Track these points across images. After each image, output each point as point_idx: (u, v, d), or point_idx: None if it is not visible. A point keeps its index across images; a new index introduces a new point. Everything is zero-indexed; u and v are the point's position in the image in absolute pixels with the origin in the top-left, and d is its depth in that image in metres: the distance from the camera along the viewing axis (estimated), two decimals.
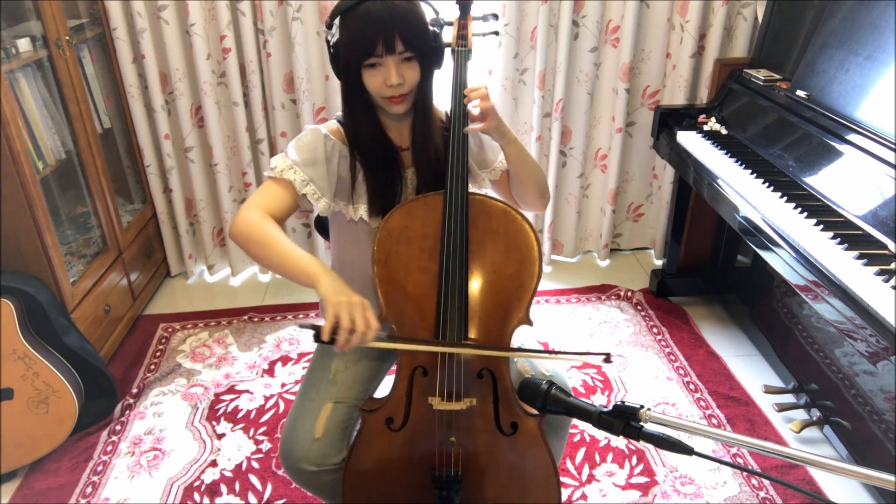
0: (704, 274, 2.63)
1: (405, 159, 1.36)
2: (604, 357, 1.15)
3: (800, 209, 1.63)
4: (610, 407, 0.99)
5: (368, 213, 1.33)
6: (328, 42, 1.27)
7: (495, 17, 1.33)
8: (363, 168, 1.33)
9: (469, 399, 1.23)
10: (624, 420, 0.97)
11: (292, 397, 2.05)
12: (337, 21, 1.23)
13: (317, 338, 1.12)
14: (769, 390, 2.08)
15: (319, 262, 1.18)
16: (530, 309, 1.27)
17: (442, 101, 1.35)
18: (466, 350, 1.22)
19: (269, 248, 1.20)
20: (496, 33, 1.34)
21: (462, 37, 1.28)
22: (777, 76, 2.17)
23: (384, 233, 1.26)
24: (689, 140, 2.19)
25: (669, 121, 2.34)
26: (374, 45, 1.20)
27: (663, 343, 2.38)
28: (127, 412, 2.09)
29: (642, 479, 1.83)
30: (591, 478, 1.83)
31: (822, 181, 1.70)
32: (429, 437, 1.26)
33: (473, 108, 1.26)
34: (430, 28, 1.26)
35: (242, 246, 1.23)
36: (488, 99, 1.26)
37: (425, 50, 1.25)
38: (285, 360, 2.33)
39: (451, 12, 1.31)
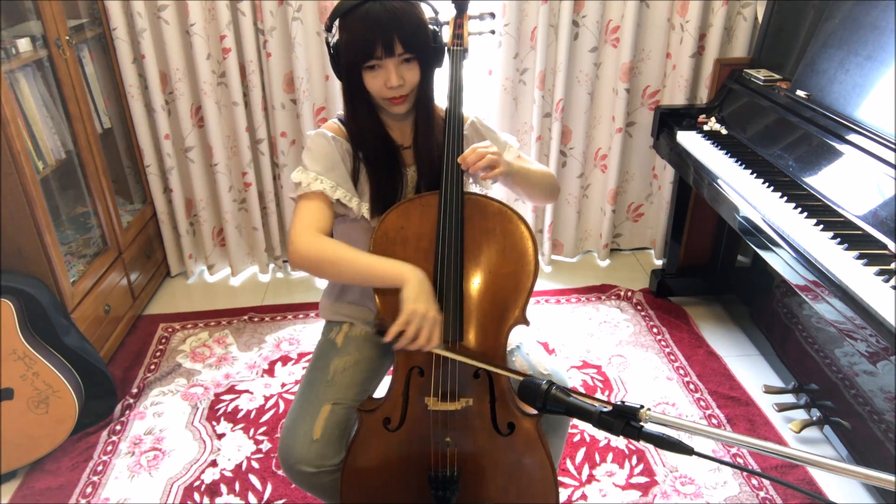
0: (704, 274, 2.63)
1: (406, 158, 1.36)
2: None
3: (800, 209, 1.63)
4: (610, 407, 0.99)
5: (370, 211, 1.34)
6: (328, 43, 1.27)
7: (492, 15, 1.33)
8: (365, 166, 1.33)
9: (465, 399, 1.23)
10: (624, 420, 0.97)
11: (292, 397, 2.05)
12: (336, 22, 1.24)
13: (381, 335, 1.20)
14: (769, 390, 2.08)
15: (402, 263, 1.21)
16: (527, 309, 1.27)
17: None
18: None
19: (344, 264, 1.24)
20: (492, 32, 1.34)
21: (458, 36, 1.28)
22: (777, 76, 2.17)
23: (380, 233, 1.26)
24: (689, 140, 2.19)
25: (669, 121, 2.34)
26: (374, 48, 1.20)
27: (663, 343, 2.38)
28: (127, 412, 2.09)
29: (642, 479, 1.83)
30: (591, 478, 1.83)
31: (822, 181, 1.70)
32: (425, 438, 1.26)
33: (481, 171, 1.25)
34: (430, 28, 1.25)
35: (314, 269, 1.27)
36: (496, 165, 1.24)
37: (424, 51, 1.25)
38: (285, 360, 2.33)
39: (447, 11, 1.31)
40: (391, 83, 1.23)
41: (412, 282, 1.18)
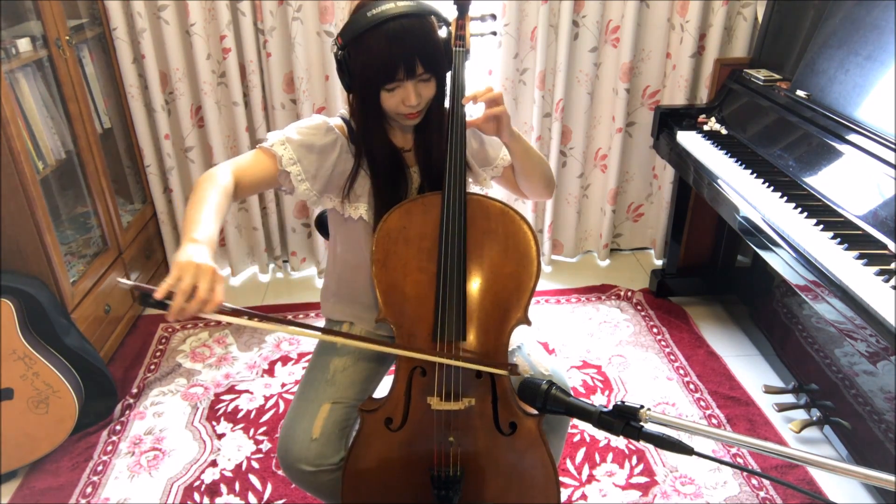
0: (704, 274, 2.63)
1: (408, 159, 1.36)
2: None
3: (800, 209, 1.63)
4: (610, 407, 0.99)
5: (373, 212, 1.33)
6: (337, 56, 1.25)
7: (493, 17, 1.33)
8: (368, 168, 1.33)
9: (468, 399, 1.23)
10: (624, 420, 0.97)
11: (292, 397, 2.05)
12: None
13: (145, 300, 1.00)
14: (769, 390, 2.08)
15: (207, 233, 1.09)
16: (529, 309, 1.27)
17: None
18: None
19: (193, 203, 1.15)
20: (494, 33, 1.34)
21: (460, 37, 1.27)
22: (777, 76, 2.17)
23: (382, 233, 1.26)
24: (689, 140, 2.19)
25: (669, 121, 2.34)
26: (396, 71, 1.19)
27: (663, 343, 2.38)
28: (127, 412, 2.09)
29: (642, 479, 1.83)
30: (591, 478, 1.83)
31: (822, 181, 1.70)
32: (427, 438, 1.26)
33: (485, 111, 1.25)
34: (442, 40, 1.24)
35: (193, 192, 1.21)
36: (501, 102, 1.24)
37: (442, 69, 1.25)
38: (285, 360, 2.33)
39: (448, 13, 1.30)
40: (410, 102, 1.22)
41: (190, 244, 1.05)
